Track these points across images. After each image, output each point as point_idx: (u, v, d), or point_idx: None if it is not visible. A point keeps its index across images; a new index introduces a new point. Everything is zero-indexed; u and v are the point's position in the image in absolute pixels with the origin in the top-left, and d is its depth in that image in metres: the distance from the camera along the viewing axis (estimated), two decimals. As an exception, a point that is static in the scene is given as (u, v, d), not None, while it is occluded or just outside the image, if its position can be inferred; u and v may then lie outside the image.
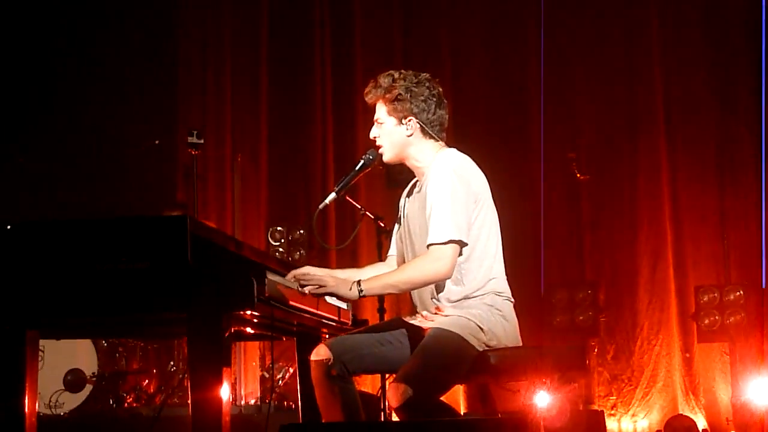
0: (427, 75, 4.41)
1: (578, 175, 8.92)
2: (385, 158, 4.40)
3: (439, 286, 4.27)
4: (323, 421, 4.28)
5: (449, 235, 4.13)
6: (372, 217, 5.61)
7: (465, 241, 4.17)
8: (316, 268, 4.20)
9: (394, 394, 3.99)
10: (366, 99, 4.41)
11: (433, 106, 4.34)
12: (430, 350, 4.12)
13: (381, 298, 6.22)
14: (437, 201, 4.19)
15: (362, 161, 4.43)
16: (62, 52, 9.66)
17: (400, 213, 4.53)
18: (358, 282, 4.09)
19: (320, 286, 4.03)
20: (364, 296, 4.13)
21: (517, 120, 9.40)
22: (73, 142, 9.40)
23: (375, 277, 4.26)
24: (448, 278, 4.25)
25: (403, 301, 4.60)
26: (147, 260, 3.45)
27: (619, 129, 9.24)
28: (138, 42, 9.77)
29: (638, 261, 9.01)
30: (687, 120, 9.06)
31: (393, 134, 4.34)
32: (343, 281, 4.11)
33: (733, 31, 9.02)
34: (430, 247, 4.17)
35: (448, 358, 4.11)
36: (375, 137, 4.40)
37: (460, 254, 4.20)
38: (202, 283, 3.41)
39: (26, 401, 3.69)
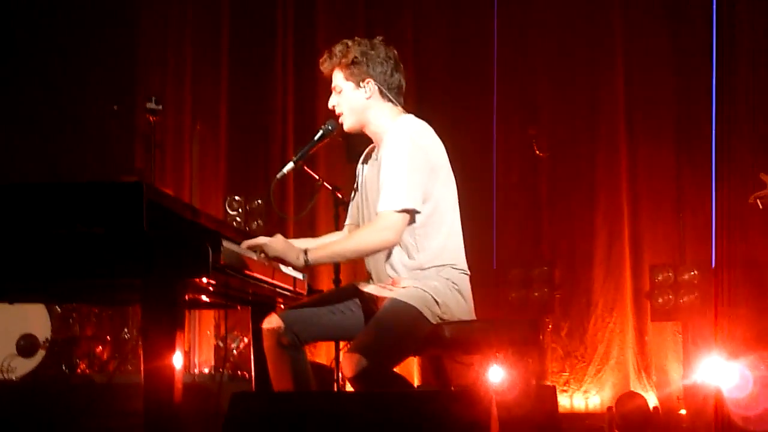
0: (381, 38, 4.41)
1: (537, 152, 8.95)
2: (346, 125, 4.39)
3: (395, 257, 4.27)
4: (274, 390, 4.28)
5: (400, 202, 4.12)
6: (330, 188, 5.61)
7: (417, 209, 4.16)
8: (269, 238, 4.17)
9: (348, 365, 3.99)
10: (322, 69, 4.40)
11: (390, 68, 4.33)
12: (385, 321, 4.12)
13: (336, 268, 6.22)
14: (391, 167, 4.17)
15: (321, 131, 4.43)
16: (21, 15, 9.55)
17: (358, 180, 4.52)
18: (305, 251, 4.06)
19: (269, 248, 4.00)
20: (310, 265, 4.09)
21: (475, 93, 9.40)
22: (31, 106, 9.31)
23: (322, 245, 4.25)
24: (395, 245, 4.25)
25: (359, 271, 4.61)
26: (102, 225, 3.41)
27: (579, 107, 9.26)
28: (98, 5, 9.67)
29: (595, 239, 9.05)
30: (647, 99, 9.08)
31: (352, 99, 4.34)
32: (291, 247, 4.08)
33: (693, 2, 9.02)
34: (379, 214, 4.16)
35: (403, 329, 4.12)
36: (333, 106, 4.39)
37: (413, 221, 4.20)
38: (156, 250, 3.38)
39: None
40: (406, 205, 4.13)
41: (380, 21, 9.59)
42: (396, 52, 4.39)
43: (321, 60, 4.40)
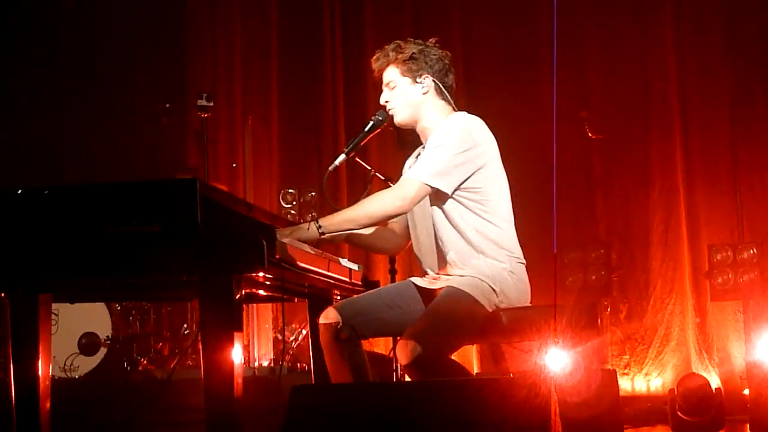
0: (435, 40, 4.44)
1: (590, 135, 8.88)
2: (398, 119, 4.40)
3: (451, 246, 4.27)
4: (332, 382, 4.30)
5: (429, 177, 4.13)
6: (382, 178, 5.60)
7: (442, 189, 4.16)
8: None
9: (403, 352, 3.99)
10: (375, 66, 4.42)
11: (445, 68, 4.38)
12: (440, 309, 4.13)
13: (392, 259, 6.21)
14: (432, 145, 4.21)
15: (372, 122, 4.44)
16: (71, 15, 9.63)
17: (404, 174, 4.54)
18: (317, 220, 4.05)
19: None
20: (324, 233, 4.05)
21: (527, 79, 9.34)
22: (83, 106, 9.39)
23: (334, 213, 4.20)
24: (405, 213, 4.27)
25: (415, 261, 4.60)
26: (158, 223, 3.45)
27: (631, 87, 9.17)
28: (146, 4, 9.73)
29: (651, 220, 8.98)
30: (700, 76, 8.98)
31: (407, 94, 4.35)
32: (299, 226, 4.06)
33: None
34: (404, 179, 4.19)
35: (458, 317, 4.12)
36: (386, 101, 4.40)
37: (471, 211, 4.20)
38: (212, 246, 3.41)
39: (40, 364, 3.71)
40: (433, 181, 4.14)
41: (428, 11, 9.57)
42: (449, 53, 4.42)
43: (374, 57, 4.42)
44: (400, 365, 4.06)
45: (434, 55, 4.37)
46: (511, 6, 9.49)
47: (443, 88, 4.37)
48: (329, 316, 4.29)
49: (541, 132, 8.98)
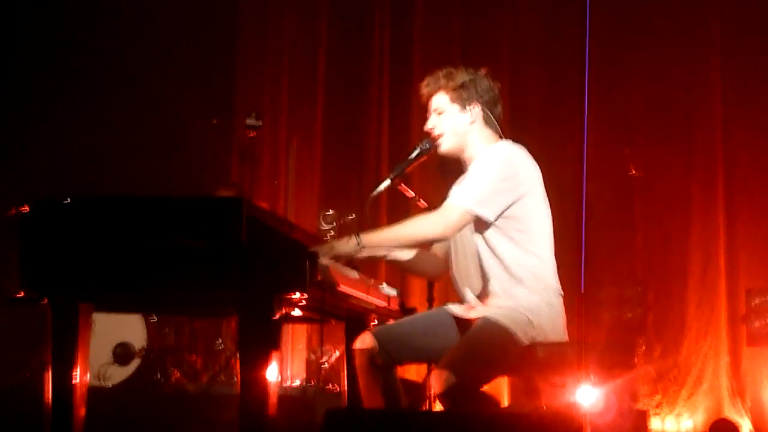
0: (486, 70, 4.45)
1: (633, 171, 8.86)
2: (444, 147, 4.41)
3: (492, 275, 4.27)
4: (365, 407, 4.30)
5: (471, 203, 4.14)
6: (425, 205, 5.62)
7: (483, 216, 4.16)
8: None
9: (436, 381, 3.99)
10: (424, 91, 4.43)
11: (494, 98, 4.38)
12: (476, 340, 4.13)
13: (430, 285, 6.21)
14: (475, 172, 4.23)
15: (418, 149, 4.45)
16: (122, 27, 9.73)
17: (449, 203, 4.54)
18: (357, 234, 4.06)
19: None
20: (363, 248, 4.03)
21: (572, 112, 9.33)
22: (130, 118, 9.47)
23: (376, 230, 4.21)
24: (446, 240, 4.29)
25: (451, 289, 4.61)
26: (203, 239, 3.48)
27: (676, 125, 9.14)
28: (198, 20, 9.81)
29: (689, 260, 8.93)
30: (746, 117, 8.94)
31: (455, 121, 4.37)
32: (339, 240, 4.06)
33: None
34: (446, 205, 4.19)
35: (494, 349, 4.12)
36: (432, 128, 4.41)
37: (511, 241, 4.20)
38: (255, 265, 3.44)
39: (77, 372, 3.75)
40: (474, 207, 4.14)
41: (477, 40, 9.60)
42: (499, 85, 4.43)
43: (424, 82, 4.43)
44: (433, 394, 4.05)
45: (484, 84, 4.38)
46: (560, 41, 9.49)
47: (492, 118, 4.38)
48: (366, 341, 4.30)
49: (579, 165, 8.96)
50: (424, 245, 4.46)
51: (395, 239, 4.17)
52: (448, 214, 4.15)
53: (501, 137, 4.40)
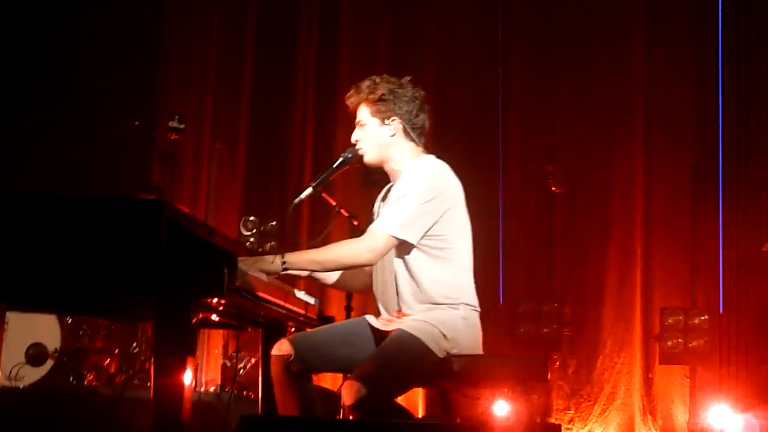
0: (410, 78, 4.44)
1: (553, 188, 8.95)
2: (366, 159, 4.41)
3: (406, 290, 4.28)
4: (279, 414, 4.29)
5: (394, 229, 4.15)
6: (346, 214, 5.63)
7: (407, 240, 4.17)
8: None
9: (348, 393, 3.97)
10: (348, 103, 4.43)
11: (416, 109, 4.37)
12: (388, 351, 4.12)
13: (349, 295, 6.22)
14: (399, 196, 4.21)
15: (342, 158, 4.44)
16: (43, 27, 9.61)
17: (373, 218, 4.55)
18: (282, 254, 4.07)
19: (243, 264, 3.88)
20: (287, 269, 4.08)
21: (493, 128, 9.42)
22: (51, 117, 9.34)
23: (301, 251, 4.23)
24: (371, 265, 4.30)
25: (370, 300, 4.61)
26: (119, 241, 3.43)
27: (596, 144, 9.26)
28: (122, 21, 9.73)
29: (606, 278, 9.04)
30: (665, 140, 9.09)
31: (375, 135, 4.36)
32: (263, 258, 4.08)
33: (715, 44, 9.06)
34: (370, 230, 4.19)
35: (406, 361, 4.11)
36: (356, 140, 4.41)
37: (429, 255, 4.22)
38: (173, 268, 3.40)
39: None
40: (397, 232, 4.15)
41: (403, 48, 9.64)
42: (423, 92, 4.43)
43: (348, 94, 4.42)
44: (344, 405, 4.04)
45: (406, 96, 4.35)
46: (484, 50, 9.57)
47: (411, 131, 4.37)
48: (282, 348, 4.28)
49: (497, 182, 9.05)
50: (347, 269, 4.46)
51: (320, 262, 4.19)
52: (373, 240, 4.16)
53: (423, 150, 4.40)
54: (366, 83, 4.39)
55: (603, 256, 9.08)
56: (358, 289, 4.75)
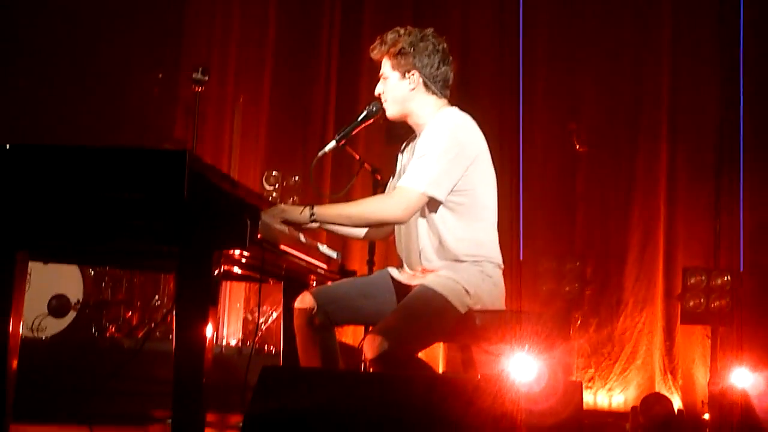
0: (432, 30, 4.39)
1: (577, 147, 8.90)
2: (388, 113, 4.37)
3: (429, 246, 4.26)
4: (302, 366, 4.30)
5: (423, 185, 4.10)
6: (369, 169, 5.60)
7: (438, 198, 4.15)
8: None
9: (369, 346, 3.97)
10: (372, 55, 4.39)
11: (437, 61, 4.31)
12: (411, 306, 4.11)
13: (371, 248, 6.21)
14: (424, 151, 4.16)
15: (365, 112, 4.41)
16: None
17: (397, 168, 4.52)
18: (312, 206, 4.04)
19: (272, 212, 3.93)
20: (315, 220, 4.04)
21: (513, 87, 9.36)
22: (74, 67, 9.33)
23: (331, 204, 4.23)
24: (402, 223, 4.26)
25: (392, 254, 4.60)
26: (143, 191, 3.43)
27: (622, 103, 9.21)
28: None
29: (629, 237, 9.02)
30: (690, 101, 9.03)
31: (396, 89, 4.32)
32: (292, 207, 4.05)
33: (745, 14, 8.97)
34: (398, 188, 4.15)
35: (428, 316, 4.10)
36: (380, 93, 4.38)
37: (451, 211, 4.19)
38: (195, 219, 3.39)
39: (11, 321, 3.69)
40: (428, 189, 4.11)
41: (428, 5, 9.58)
42: (445, 44, 4.37)
43: (372, 46, 4.38)
44: (365, 359, 4.04)
45: (427, 48, 4.29)
46: (512, 13, 9.50)
47: (432, 84, 4.32)
48: (305, 301, 4.28)
49: (530, 139, 9.01)
50: (377, 226, 4.44)
51: (349, 217, 4.15)
52: (405, 197, 4.11)
53: (447, 101, 4.36)
54: (390, 35, 4.34)
55: (626, 216, 9.05)
56: (381, 238, 4.73)
